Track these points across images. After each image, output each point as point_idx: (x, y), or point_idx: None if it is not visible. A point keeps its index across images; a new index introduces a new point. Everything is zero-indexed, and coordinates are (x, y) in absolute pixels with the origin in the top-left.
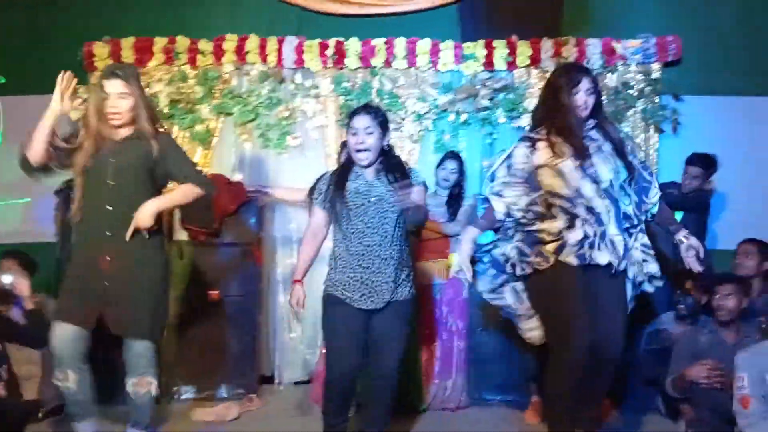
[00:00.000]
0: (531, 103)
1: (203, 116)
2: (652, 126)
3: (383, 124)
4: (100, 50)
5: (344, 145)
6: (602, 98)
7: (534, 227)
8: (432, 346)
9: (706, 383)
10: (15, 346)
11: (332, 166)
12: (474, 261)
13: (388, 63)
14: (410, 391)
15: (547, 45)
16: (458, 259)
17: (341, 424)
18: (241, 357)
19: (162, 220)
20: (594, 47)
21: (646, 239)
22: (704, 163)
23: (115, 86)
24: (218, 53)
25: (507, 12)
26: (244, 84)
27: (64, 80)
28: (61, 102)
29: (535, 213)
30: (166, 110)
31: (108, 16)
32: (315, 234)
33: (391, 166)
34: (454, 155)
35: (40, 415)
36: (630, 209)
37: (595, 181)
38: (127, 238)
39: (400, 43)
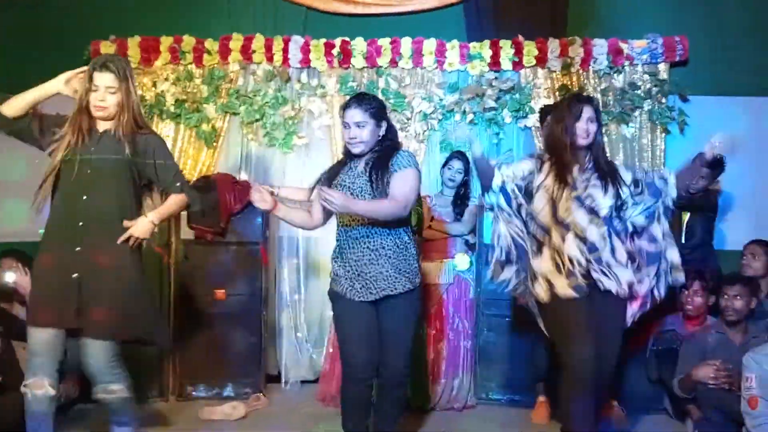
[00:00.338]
0: (537, 103)
1: (209, 115)
2: (659, 126)
3: (376, 115)
4: (107, 49)
5: None
6: (609, 100)
7: (531, 261)
8: (438, 345)
9: (714, 384)
10: (20, 344)
11: None
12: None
13: (394, 63)
14: (416, 390)
15: (553, 45)
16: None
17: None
18: (248, 356)
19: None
20: (600, 47)
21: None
22: (711, 163)
23: (105, 79)
24: (224, 52)
25: (513, 12)
26: (250, 83)
27: (80, 71)
28: (65, 83)
29: (532, 242)
30: (172, 109)
31: (114, 15)
32: (312, 213)
33: (376, 159)
34: (460, 155)
35: None
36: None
37: (592, 211)
38: (119, 242)
39: (406, 43)
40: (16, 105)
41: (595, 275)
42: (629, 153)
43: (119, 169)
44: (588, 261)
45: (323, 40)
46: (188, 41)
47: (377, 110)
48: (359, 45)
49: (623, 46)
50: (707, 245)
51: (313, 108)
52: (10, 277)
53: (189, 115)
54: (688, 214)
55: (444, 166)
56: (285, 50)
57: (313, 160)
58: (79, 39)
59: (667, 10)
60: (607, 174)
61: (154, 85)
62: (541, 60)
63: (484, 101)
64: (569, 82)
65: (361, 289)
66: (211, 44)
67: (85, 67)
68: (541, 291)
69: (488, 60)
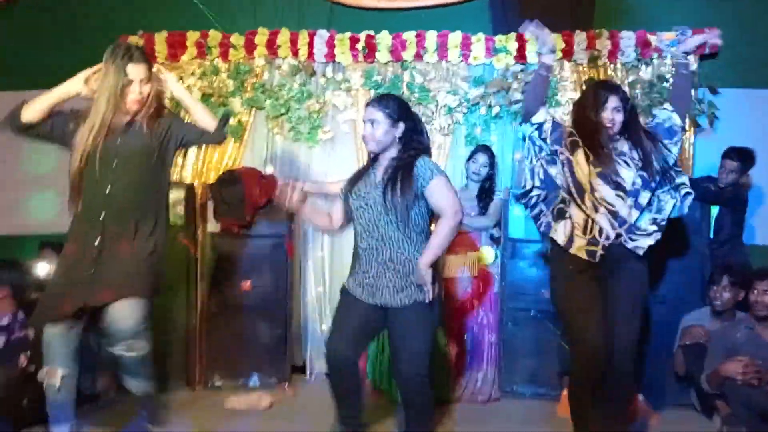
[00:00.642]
0: (563, 96)
1: (235, 110)
2: (688, 120)
3: (392, 115)
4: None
5: None
6: (636, 93)
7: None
8: (462, 339)
9: (742, 379)
10: None
11: (363, 159)
12: None
13: (418, 56)
14: (440, 383)
15: (580, 37)
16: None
17: (351, 419)
18: (273, 347)
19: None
20: (628, 39)
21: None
22: (741, 157)
23: (140, 71)
24: (250, 47)
25: (538, 4)
26: (276, 78)
27: (96, 69)
28: (85, 83)
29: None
30: None
31: (141, 10)
32: (333, 216)
33: (394, 170)
34: (485, 149)
35: None
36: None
37: (619, 187)
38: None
39: (431, 37)
40: (37, 108)
41: (622, 239)
42: None
43: (145, 158)
44: (618, 235)
45: (348, 35)
46: (214, 36)
47: (393, 110)
48: (384, 39)
49: (651, 38)
50: (736, 239)
51: (338, 102)
52: (44, 269)
53: (215, 110)
54: (717, 209)
55: (469, 159)
56: (310, 45)
57: (338, 154)
58: (107, 34)
59: (697, 2)
60: (636, 146)
61: (181, 79)
62: (568, 53)
63: (509, 95)
64: (596, 75)
65: (367, 296)
66: (236, 39)
67: (100, 65)
68: (561, 232)
69: (514, 53)
